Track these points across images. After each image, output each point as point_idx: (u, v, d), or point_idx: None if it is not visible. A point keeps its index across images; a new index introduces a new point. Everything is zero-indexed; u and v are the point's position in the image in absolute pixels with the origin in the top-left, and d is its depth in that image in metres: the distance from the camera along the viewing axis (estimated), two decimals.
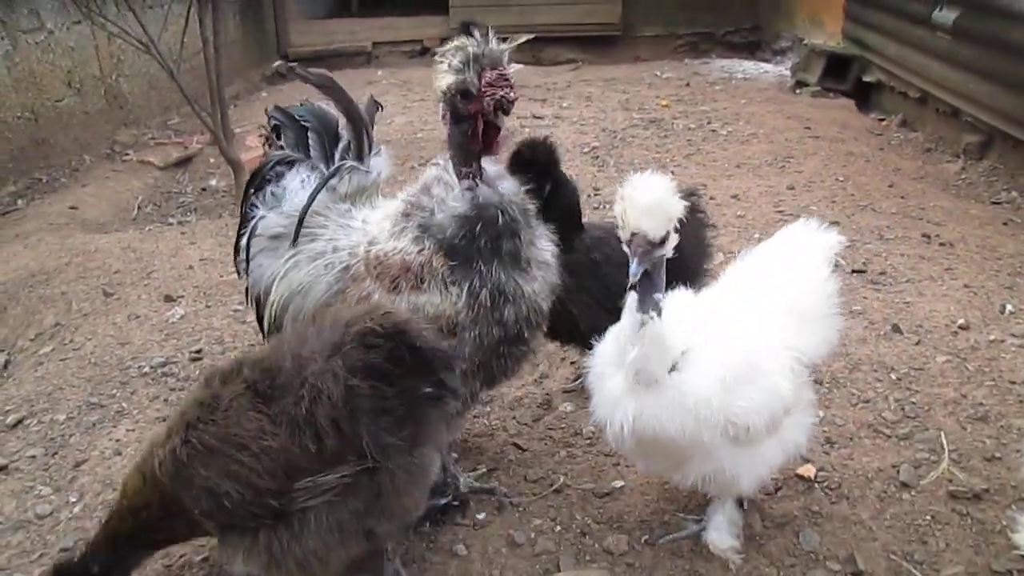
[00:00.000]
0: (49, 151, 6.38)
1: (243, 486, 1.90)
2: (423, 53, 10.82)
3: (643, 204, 2.02)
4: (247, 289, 2.72)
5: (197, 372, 3.53)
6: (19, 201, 5.78)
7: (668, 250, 2.07)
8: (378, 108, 2.86)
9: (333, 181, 2.58)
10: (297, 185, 2.63)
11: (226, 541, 2.01)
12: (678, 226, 2.06)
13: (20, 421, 3.25)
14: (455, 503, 2.70)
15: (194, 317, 3.95)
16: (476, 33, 2.22)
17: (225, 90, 5.95)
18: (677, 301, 2.27)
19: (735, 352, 2.19)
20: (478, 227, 2.29)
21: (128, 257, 4.60)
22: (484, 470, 2.91)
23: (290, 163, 2.68)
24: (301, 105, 2.77)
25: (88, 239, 4.91)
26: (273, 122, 2.76)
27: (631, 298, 2.11)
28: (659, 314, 2.08)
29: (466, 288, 2.29)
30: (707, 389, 2.11)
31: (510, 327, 2.34)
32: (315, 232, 2.54)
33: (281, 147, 2.72)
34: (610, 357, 2.25)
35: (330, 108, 2.70)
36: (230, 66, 7.32)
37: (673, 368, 2.13)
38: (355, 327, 1.97)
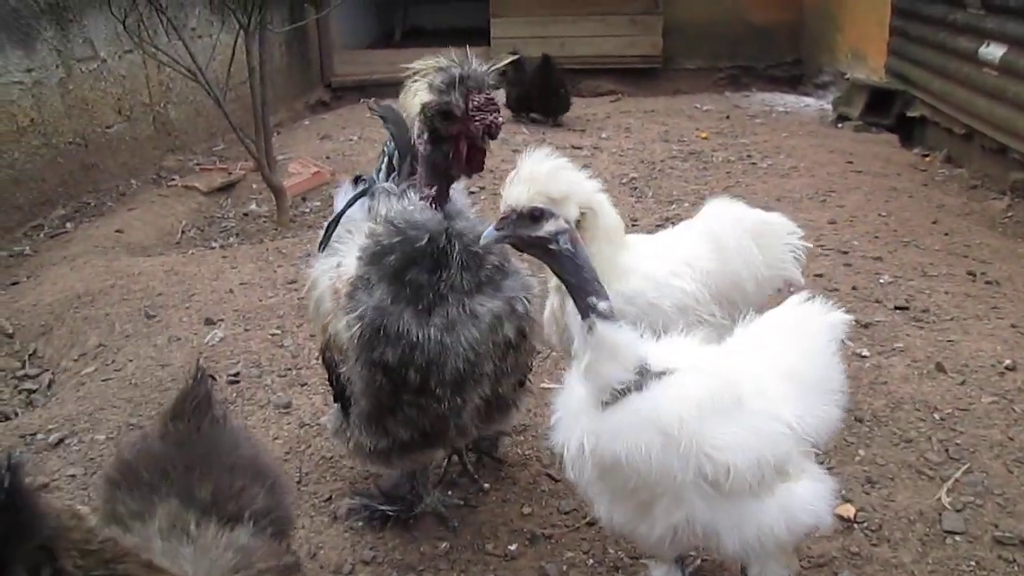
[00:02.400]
0: (98, 176, 6.53)
1: None
2: None
3: (521, 173, 2.02)
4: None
5: (234, 395, 3.56)
6: (68, 224, 5.92)
7: (544, 233, 1.92)
8: None
9: (372, 202, 2.63)
10: (341, 201, 2.77)
11: None
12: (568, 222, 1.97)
13: (61, 440, 3.30)
14: (399, 515, 2.74)
15: (233, 340, 4.00)
16: (456, 55, 2.19)
17: (269, 118, 6.06)
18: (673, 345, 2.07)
19: (718, 378, 1.97)
20: (395, 240, 2.21)
21: (170, 280, 4.67)
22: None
23: (358, 181, 2.85)
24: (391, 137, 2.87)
25: (132, 262, 5.00)
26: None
27: (571, 309, 1.96)
28: (605, 317, 1.89)
29: (355, 316, 2.24)
30: (680, 409, 1.88)
31: (405, 375, 2.21)
32: (337, 248, 2.63)
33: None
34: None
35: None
36: (275, 95, 7.46)
37: (643, 386, 1.91)
38: None
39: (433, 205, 2.24)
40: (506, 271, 2.35)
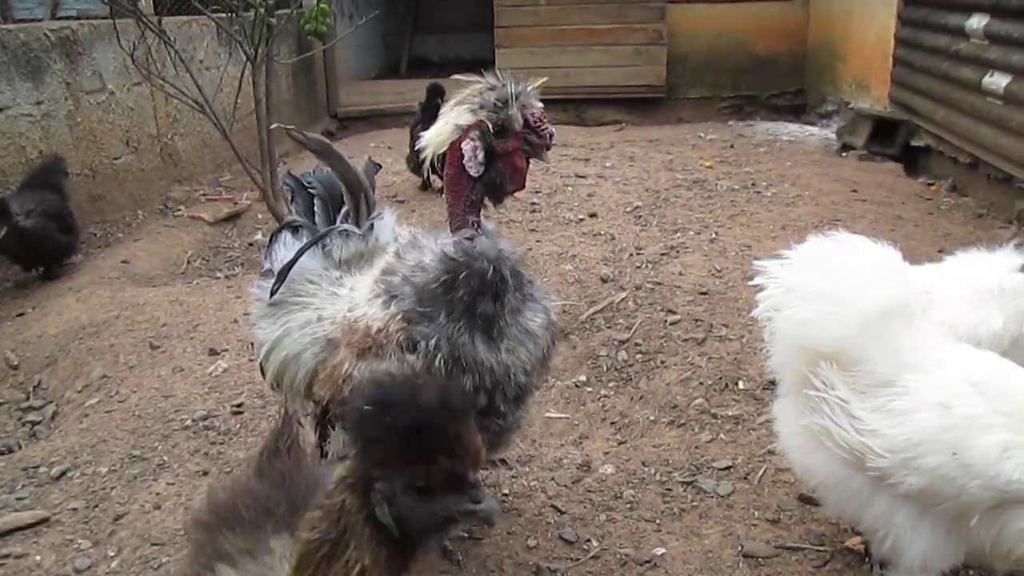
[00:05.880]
0: (105, 207, 6.56)
1: None
2: None
3: None
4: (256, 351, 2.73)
5: (238, 426, 3.55)
6: (74, 255, 5.93)
7: None
8: (377, 169, 2.83)
9: (329, 246, 2.56)
10: (290, 250, 2.63)
11: None
12: None
13: (64, 473, 3.28)
14: None
15: (237, 371, 3.99)
16: (496, 75, 2.23)
17: (275, 148, 6.10)
18: None
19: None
20: (462, 275, 2.19)
21: (175, 310, 4.67)
22: None
23: (295, 229, 2.69)
24: (313, 172, 2.77)
25: (138, 292, 5.01)
26: (286, 188, 2.79)
27: None
28: None
29: (421, 351, 2.19)
30: None
31: (475, 399, 2.22)
32: (305, 301, 2.53)
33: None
34: None
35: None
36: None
37: None
38: None
39: (478, 231, 2.25)
40: (532, 281, 2.40)
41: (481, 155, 2.21)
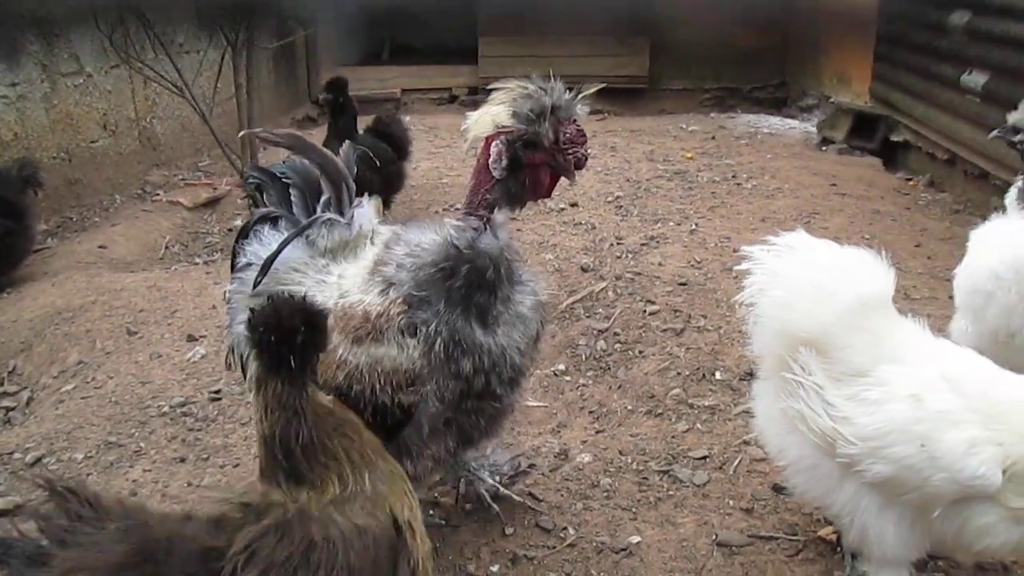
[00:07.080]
0: (81, 191, 6.50)
1: None
2: (451, 101, 11.00)
3: None
4: (231, 347, 2.66)
5: (216, 412, 3.53)
6: (50, 240, 5.87)
7: None
8: (358, 153, 2.79)
9: (312, 236, 2.52)
10: (276, 241, 2.57)
11: None
12: None
13: (39, 459, 3.26)
14: None
15: (215, 357, 3.97)
16: (544, 81, 2.17)
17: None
18: None
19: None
20: (462, 268, 2.20)
21: (153, 296, 4.64)
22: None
23: (274, 220, 2.63)
24: (283, 162, 2.71)
25: (115, 278, 4.97)
26: (253, 182, 2.71)
27: None
28: None
29: (422, 335, 2.20)
30: None
31: (473, 381, 2.25)
32: (293, 290, 2.45)
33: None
34: None
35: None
36: (261, 110, 7.45)
37: None
38: None
39: (486, 226, 2.24)
40: (520, 265, 2.40)
41: (505, 161, 2.18)
